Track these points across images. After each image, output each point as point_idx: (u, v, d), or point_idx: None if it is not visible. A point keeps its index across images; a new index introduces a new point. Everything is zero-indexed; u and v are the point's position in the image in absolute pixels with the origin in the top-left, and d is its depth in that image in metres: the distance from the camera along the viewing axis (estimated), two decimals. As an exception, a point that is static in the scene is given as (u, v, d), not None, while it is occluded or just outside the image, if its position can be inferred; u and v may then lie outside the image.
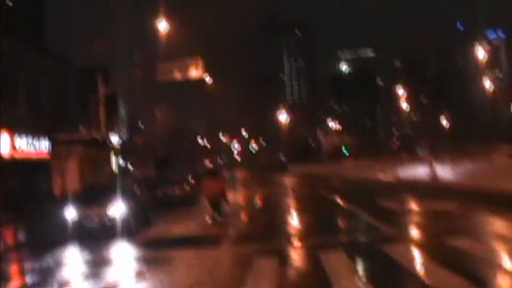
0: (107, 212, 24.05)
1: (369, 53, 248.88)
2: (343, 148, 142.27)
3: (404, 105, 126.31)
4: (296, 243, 17.88)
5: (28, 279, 15.27)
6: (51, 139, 40.00)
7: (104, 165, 42.96)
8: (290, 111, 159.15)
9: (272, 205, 34.92)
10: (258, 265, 13.88)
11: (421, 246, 14.23)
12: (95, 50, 45.61)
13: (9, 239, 24.20)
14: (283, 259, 14.41)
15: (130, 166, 56.14)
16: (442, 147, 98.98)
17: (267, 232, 21.97)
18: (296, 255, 15.80)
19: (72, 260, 19.06)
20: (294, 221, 25.59)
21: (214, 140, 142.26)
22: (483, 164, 33.16)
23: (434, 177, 36.60)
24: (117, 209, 24.12)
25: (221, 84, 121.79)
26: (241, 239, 20.26)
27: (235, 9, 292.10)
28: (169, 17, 42.94)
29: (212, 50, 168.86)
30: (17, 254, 21.47)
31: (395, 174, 49.81)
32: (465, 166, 33.59)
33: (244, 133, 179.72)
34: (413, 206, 25.16)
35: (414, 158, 75.90)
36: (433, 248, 14.20)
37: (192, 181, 43.34)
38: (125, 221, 23.93)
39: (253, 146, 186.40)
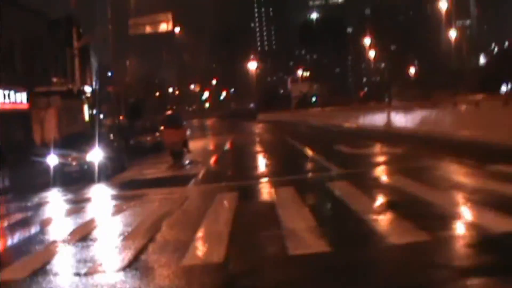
0: (85, 158, 26.48)
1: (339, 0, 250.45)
2: (311, 95, 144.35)
3: (372, 53, 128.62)
4: (255, 181, 20.47)
5: (15, 218, 17.45)
6: (29, 91, 41.82)
7: (79, 114, 45.41)
8: (260, 59, 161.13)
9: (238, 150, 37.88)
10: (221, 198, 16.49)
11: (358, 182, 16.82)
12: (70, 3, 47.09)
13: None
14: (242, 194, 17.01)
15: (101, 115, 58.28)
16: (408, 94, 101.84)
17: (231, 172, 24.74)
18: (253, 191, 18.40)
19: (55, 200, 21.42)
20: (256, 163, 28.24)
21: (184, 89, 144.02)
22: (443, 112, 35.36)
23: (388, 124, 39.32)
24: (95, 154, 26.55)
25: (191, 34, 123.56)
26: (208, 179, 22.87)
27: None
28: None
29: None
30: (4, 196, 23.74)
31: (357, 121, 52.24)
32: (422, 113, 35.95)
33: (214, 82, 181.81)
34: (364, 150, 27.80)
35: (380, 105, 78.24)
36: (368, 184, 16.85)
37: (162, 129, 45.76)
38: (102, 166, 26.38)
39: (223, 94, 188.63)
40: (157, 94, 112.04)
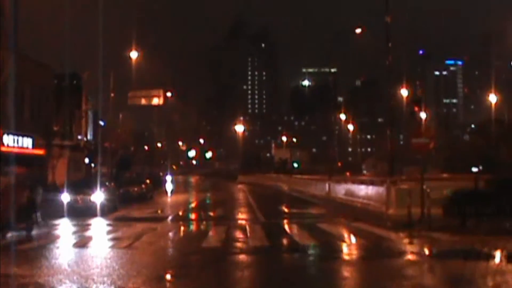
0: (90, 198, 37.61)
1: (332, 70, 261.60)
2: (293, 161, 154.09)
3: (351, 127, 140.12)
4: (203, 221, 31.81)
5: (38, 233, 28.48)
6: (46, 141, 52.53)
7: (83, 164, 57.05)
8: (249, 122, 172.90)
9: (214, 203, 49.79)
10: (184, 228, 27.81)
11: (265, 226, 28.11)
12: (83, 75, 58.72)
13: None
14: (189, 226, 28.39)
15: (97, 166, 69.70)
16: (382, 168, 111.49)
17: (190, 216, 36.27)
18: (197, 225, 29.71)
19: (67, 225, 32.32)
20: (211, 212, 39.84)
21: (172, 145, 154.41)
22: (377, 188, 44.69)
23: (328, 193, 50.64)
24: (97, 196, 37.69)
25: (182, 97, 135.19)
26: (183, 219, 34.30)
27: (203, 17, 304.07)
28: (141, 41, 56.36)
29: (177, 61, 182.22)
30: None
31: (315, 189, 62.95)
32: (356, 186, 46.42)
33: (201, 141, 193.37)
34: (294, 210, 39.31)
35: (355, 175, 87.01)
36: (270, 227, 28.17)
37: (148, 182, 57.42)
38: (102, 205, 37.44)
39: (209, 153, 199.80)
40: (146, 148, 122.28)
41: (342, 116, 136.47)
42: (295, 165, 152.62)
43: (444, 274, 16.22)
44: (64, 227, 29.88)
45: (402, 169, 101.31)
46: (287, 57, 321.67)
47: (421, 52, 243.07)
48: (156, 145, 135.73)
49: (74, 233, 27.05)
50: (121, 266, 17.11)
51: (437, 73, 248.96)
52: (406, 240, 22.79)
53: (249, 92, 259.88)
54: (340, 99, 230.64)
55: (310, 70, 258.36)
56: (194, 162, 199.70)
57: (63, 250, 21.28)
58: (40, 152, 51.09)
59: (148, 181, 58.26)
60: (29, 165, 46.31)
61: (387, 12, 38.97)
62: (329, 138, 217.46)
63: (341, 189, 48.02)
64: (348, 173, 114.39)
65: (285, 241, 23.60)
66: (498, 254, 18.36)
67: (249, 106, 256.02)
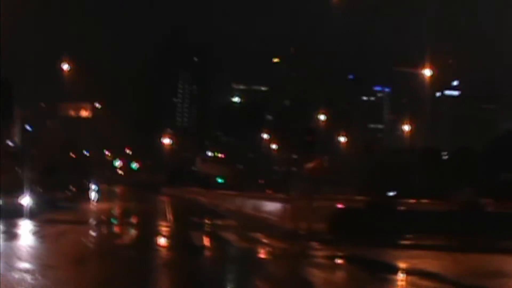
0: (19, 201, 41.80)
1: (262, 88, 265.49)
2: (218, 176, 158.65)
3: (275, 146, 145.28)
4: (131, 226, 36.38)
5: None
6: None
7: (13, 169, 60.93)
8: (177, 135, 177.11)
9: (135, 211, 54.47)
10: (103, 230, 32.36)
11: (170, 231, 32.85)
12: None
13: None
14: (101, 228, 32.94)
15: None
16: (305, 186, 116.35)
17: (120, 222, 40.77)
18: (128, 229, 34.29)
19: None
20: (137, 218, 44.44)
21: (99, 155, 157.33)
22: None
23: (240, 207, 55.62)
24: (25, 200, 41.91)
25: (112, 108, 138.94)
26: (104, 223, 38.83)
27: (137, 30, 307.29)
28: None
29: (109, 73, 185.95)
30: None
31: (230, 204, 67.85)
32: (265, 203, 51.49)
33: (128, 151, 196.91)
34: (202, 220, 44.27)
35: (277, 193, 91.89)
36: (206, 234, 32.91)
37: (73, 189, 61.83)
38: (29, 208, 41.65)
39: (135, 164, 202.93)
40: (73, 156, 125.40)
41: (265, 136, 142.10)
42: (220, 180, 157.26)
43: (294, 270, 21.30)
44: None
45: (321, 188, 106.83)
46: (219, 72, 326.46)
47: (351, 76, 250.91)
48: (83, 154, 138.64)
49: (4, 231, 31.21)
50: (45, 255, 21.82)
51: (365, 98, 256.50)
52: (280, 245, 28.42)
53: (179, 105, 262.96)
54: (270, 117, 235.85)
55: (241, 87, 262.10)
56: (120, 172, 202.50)
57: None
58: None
59: (73, 188, 62.68)
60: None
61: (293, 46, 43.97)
62: (255, 156, 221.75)
63: (250, 205, 53.30)
64: (269, 191, 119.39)
65: (183, 243, 28.38)
66: (340, 259, 23.54)
67: (178, 119, 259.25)
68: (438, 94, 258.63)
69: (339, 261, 23.13)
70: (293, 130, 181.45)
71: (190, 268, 20.80)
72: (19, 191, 42.97)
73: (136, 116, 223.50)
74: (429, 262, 22.98)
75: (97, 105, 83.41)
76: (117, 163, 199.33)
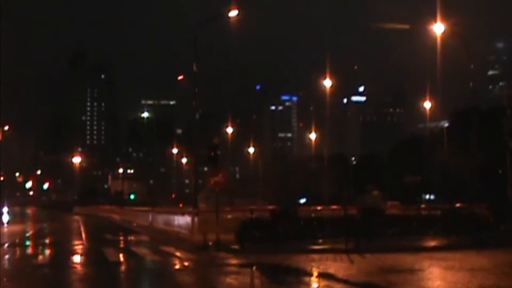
0: None
1: (171, 102, 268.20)
2: (130, 193, 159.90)
3: (185, 160, 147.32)
4: (46, 246, 37.67)
5: None
6: None
7: None
8: (87, 153, 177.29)
9: (49, 232, 55.48)
10: (19, 251, 33.59)
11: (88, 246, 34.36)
12: None
13: None
14: (33, 251, 34.20)
15: None
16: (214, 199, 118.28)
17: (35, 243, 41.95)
18: (43, 249, 35.58)
19: None
20: (52, 238, 45.62)
21: (10, 177, 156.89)
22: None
23: (151, 222, 57.43)
24: None
25: (21, 128, 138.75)
26: (19, 245, 39.98)
27: (44, 47, 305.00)
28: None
29: (16, 92, 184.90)
30: None
31: (144, 220, 69.30)
32: (173, 217, 53.34)
33: (39, 172, 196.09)
34: (116, 237, 45.76)
35: (188, 206, 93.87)
36: (118, 250, 34.43)
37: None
38: None
39: (46, 184, 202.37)
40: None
41: (174, 151, 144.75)
42: (132, 196, 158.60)
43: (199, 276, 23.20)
44: None
45: (234, 200, 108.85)
46: (127, 88, 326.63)
47: (258, 87, 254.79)
48: None
49: None
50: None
51: (273, 108, 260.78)
52: (189, 257, 30.51)
53: (88, 123, 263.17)
54: (179, 131, 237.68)
55: (150, 102, 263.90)
56: (31, 193, 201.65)
57: None
58: None
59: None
60: None
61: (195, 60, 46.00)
62: (166, 170, 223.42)
63: (161, 219, 55.05)
64: (181, 205, 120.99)
65: (97, 259, 29.84)
66: (245, 267, 25.50)
67: (88, 137, 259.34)
68: (345, 100, 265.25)
69: (243, 268, 24.95)
70: (201, 144, 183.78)
71: (104, 281, 22.45)
72: None
73: (45, 135, 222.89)
74: (327, 263, 25.17)
75: (6, 127, 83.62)
76: (28, 184, 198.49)
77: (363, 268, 24.29)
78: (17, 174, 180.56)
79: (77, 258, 30.57)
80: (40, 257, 32.16)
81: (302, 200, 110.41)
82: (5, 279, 22.13)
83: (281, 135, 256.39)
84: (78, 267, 27.36)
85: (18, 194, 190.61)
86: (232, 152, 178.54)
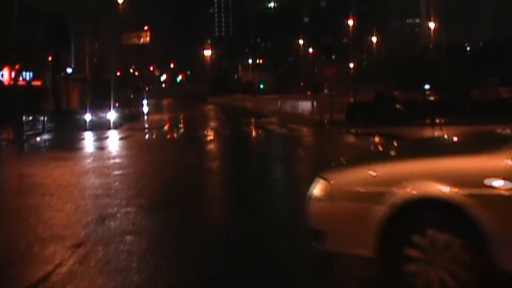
0: (106, 116, 54.60)
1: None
2: (259, 83, 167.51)
3: (311, 49, 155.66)
4: (196, 126, 49.38)
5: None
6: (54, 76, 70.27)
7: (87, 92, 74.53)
8: (216, 45, 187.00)
9: (193, 118, 67.89)
10: (178, 130, 45.28)
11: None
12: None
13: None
14: (187, 130, 45.91)
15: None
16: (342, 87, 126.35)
17: (186, 125, 53.82)
18: (195, 128, 47.23)
19: (89, 135, 49.00)
20: (198, 122, 57.48)
21: (143, 71, 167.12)
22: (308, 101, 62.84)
23: (280, 108, 68.92)
24: (111, 115, 54.73)
25: (154, 27, 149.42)
26: (175, 126, 51.88)
27: None
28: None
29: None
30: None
31: (273, 106, 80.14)
32: (298, 102, 64.09)
33: (172, 65, 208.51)
34: (249, 119, 57.63)
35: (302, 96, 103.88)
36: (256, 127, 45.78)
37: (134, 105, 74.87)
38: (115, 121, 54.40)
39: (179, 77, 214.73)
40: (118, 74, 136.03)
41: (300, 41, 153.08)
42: (261, 86, 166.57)
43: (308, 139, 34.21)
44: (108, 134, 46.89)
45: (360, 88, 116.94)
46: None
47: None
48: (129, 71, 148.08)
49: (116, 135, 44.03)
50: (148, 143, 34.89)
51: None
52: (309, 129, 41.81)
53: (216, 15, 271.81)
54: (306, 19, 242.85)
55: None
56: (164, 85, 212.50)
57: (115, 141, 38.96)
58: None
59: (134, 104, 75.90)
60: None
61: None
62: (294, 59, 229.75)
63: (288, 105, 66.48)
64: (309, 92, 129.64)
65: (240, 132, 41.20)
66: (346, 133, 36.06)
67: (216, 29, 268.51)
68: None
69: (345, 134, 35.90)
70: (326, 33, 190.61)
71: (245, 142, 33.88)
72: (104, 109, 55.41)
73: (176, 30, 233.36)
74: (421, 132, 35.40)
75: (145, 28, 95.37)
76: (163, 77, 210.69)
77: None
78: (151, 68, 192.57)
79: (223, 132, 42.10)
80: (191, 133, 44.13)
81: (427, 86, 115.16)
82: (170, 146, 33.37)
83: (409, 21, 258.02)
84: (223, 137, 38.69)
85: (150, 87, 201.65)
86: (360, 40, 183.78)
